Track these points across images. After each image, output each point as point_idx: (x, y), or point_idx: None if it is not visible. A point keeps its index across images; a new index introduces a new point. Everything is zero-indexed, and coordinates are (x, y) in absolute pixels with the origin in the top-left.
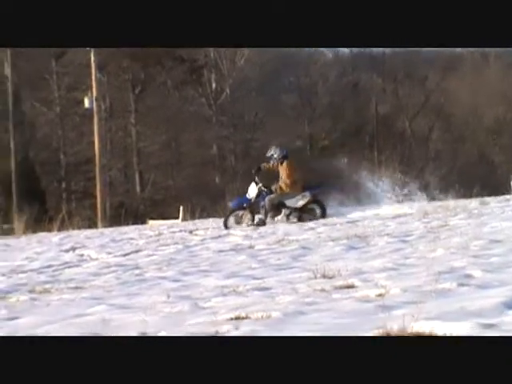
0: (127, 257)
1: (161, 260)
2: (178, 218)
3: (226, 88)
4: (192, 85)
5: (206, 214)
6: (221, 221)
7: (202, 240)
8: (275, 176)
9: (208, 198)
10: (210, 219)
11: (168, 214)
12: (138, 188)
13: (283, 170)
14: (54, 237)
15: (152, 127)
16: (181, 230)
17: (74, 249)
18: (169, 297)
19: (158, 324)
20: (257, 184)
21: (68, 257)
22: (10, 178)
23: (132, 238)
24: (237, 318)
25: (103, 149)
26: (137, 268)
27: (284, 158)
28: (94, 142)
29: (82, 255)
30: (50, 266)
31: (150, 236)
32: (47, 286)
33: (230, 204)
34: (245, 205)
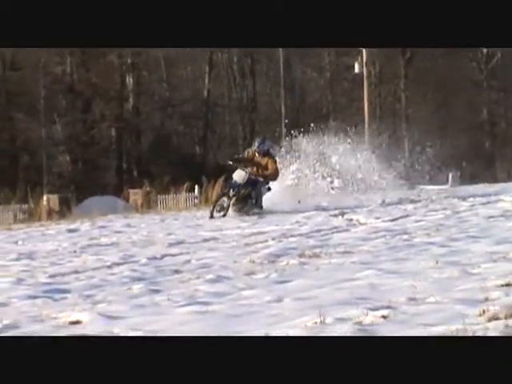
0: (395, 222)
1: (429, 225)
2: (447, 183)
3: (497, 52)
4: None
5: (475, 180)
6: (490, 186)
7: (471, 206)
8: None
9: (478, 163)
10: (481, 185)
11: (437, 180)
12: (406, 153)
13: (270, 162)
14: (324, 201)
15: (421, 93)
16: (449, 196)
17: (342, 214)
18: (437, 262)
19: (427, 289)
20: (244, 170)
21: (337, 222)
22: (281, 143)
23: (400, 203)
24: (507, 285)
25: (372, 114)
26: (405, 233)
27: (268, 150)
28: (363, 108)
29: (350, 220)
30: (319, 231)
31: (419, 201)
32: (316, 250)
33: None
34: (232, 191)
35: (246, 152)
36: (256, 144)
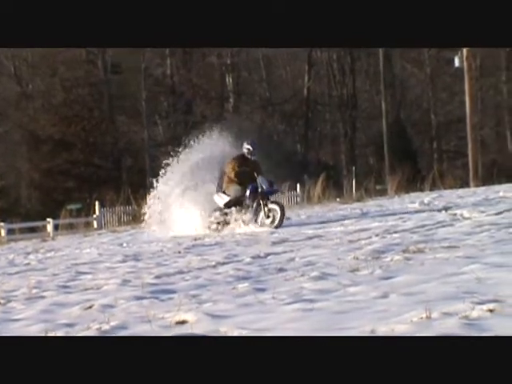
0: (501, 215)
1: None
2: None
3: None
4: None
5: None
6: None
7: None
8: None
9: None
10: None
11: None
12: (510, 146)
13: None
14: (426, 197)
15: None
16: None
17: (446, 208)
18: None
19: None
20: (263, 176)
21: (441, 216)
22: (382, 140)
23: (505, 197)
24: None
25: (474, 108)
26: (510, 226)
27: None
28: (464, 101)
29: (454, 214)
30: (423, 226)
31: None
32: (421, 245)
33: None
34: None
35: (232, 160)
36: (248, 147)
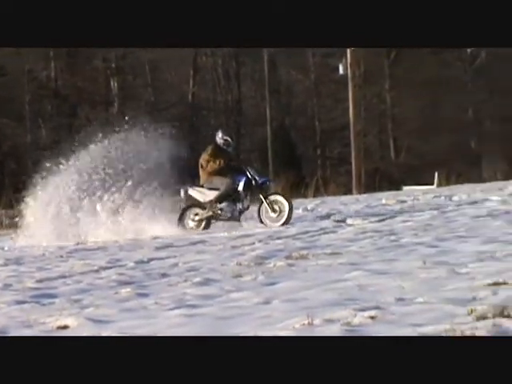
0: (383, 223)
1: (417, 226)
2: (433, 183)
3: (481, 52)
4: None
5: (461, 179)
6: (476, 186)
7: (457, 206)
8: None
9: (464, 163)
10: (466, 185)
11: (423, 180)
12: (392, 154)
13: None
14: (310, 203)
15: (407, 93)
16: (436, 196)
17: (329, 215)
18: (425, 262)
19: (415, 290)
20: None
21: (324, 223)
22: (267, 146)
23: (387, 204)
24: (495, 284)
25: (358, 115)
26: (392, 234)
27: None
28: (348, 109)
29: (337, 221)
30: (306, 232)
31: (405, 202)
32: (304, 251)
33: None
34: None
35: (212, 151)
36: (226, 138)
